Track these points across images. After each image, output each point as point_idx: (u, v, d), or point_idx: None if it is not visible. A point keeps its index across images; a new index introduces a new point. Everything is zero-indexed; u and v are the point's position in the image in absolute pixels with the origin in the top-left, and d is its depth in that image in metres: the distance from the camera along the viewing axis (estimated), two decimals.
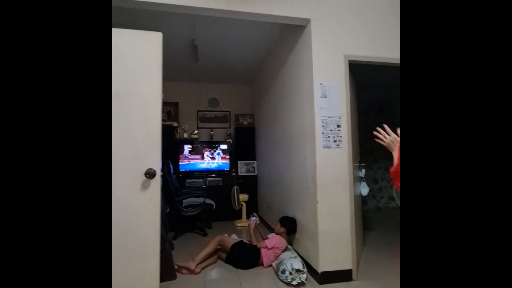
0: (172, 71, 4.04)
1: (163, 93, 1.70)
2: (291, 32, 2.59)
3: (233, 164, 4.31)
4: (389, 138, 1.09)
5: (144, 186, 1.58)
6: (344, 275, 2.10)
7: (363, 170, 2.73)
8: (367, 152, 4.75)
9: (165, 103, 4.12)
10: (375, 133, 1.12)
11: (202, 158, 4.25)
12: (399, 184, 0.91)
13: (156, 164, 1.59)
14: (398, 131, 1.09)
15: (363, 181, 2.74)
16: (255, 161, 4.38)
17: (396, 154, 1.06)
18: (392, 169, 1.00)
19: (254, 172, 4.33)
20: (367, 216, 4.15)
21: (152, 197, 1.58)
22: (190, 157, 4.20)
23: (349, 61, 2.22)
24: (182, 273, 2.25)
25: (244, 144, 4.41)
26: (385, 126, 1.12)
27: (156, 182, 1.60)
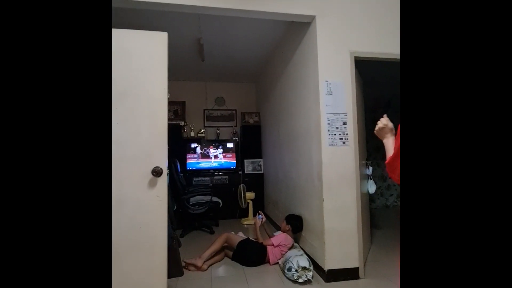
0: (179, 71, 4.08)
1: (169, 92, 1.72)
2: (296, 29, 2.58)
3: (240, 162, 4.33)
4: (379, 125, 1.05)
5: (151, 184, 1.60)
6: (351, 273, 2.09)
7: (370, 168, 2.71)
8: (375, 149, 4.70)
9: (172, 102, 4.18)
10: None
11: (209, 156, 4.28)
12: (396, 177, 0.88)
13: (163, 162, 1.62)
14: (385, 116, 1.06)
15: (370, 178, 2.72)
16: (261, 159, 4.39)
17: (388, 143, 1.01)
18: (387, 161, 0.94)
19: (261, 170, 4.34)
20: (375, 214, 4.11)
21: (159, 195, 1.61)
22: (195, 155, 4.24)
23: (355, 57, 2.19)
24: (190, 270, 2.28)
25: (250, 142, 4.42)
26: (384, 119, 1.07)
27: (163, 180, 1.62)
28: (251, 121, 4.53)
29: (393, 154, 0.91)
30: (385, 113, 1.11)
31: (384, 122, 1.05)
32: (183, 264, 2.30)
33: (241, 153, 4.40)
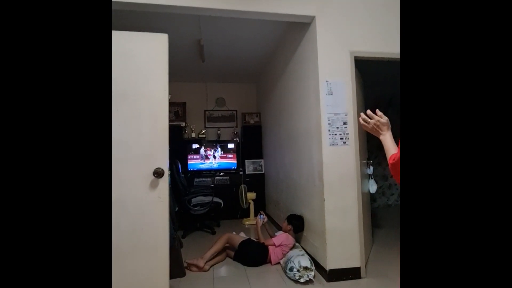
0: (179, 72, 4.09)
1: (170, 93, 1.73)
2: (296, 30, 2.58)
3: (241, 163, 4.33)
4: (372, 121, 0.98)
5: (153, 185, 1.61)
6: (353, 273, 2.09)
7: (371, 167, 2.71)
8: (376, 149, 4.69)
9: (172, 104, 4.18)
10: (359, 119, 1.03)
11: (209, 157, 4.29)
12: (399, 178, 0.86)
13: (164, 163, 1.62)
14: (378, 111, 0.99)
15: (371, 178, 2.72)
16: (262, 160, 4.39)
17: (387, 140, 0.94)
18: (392, 161, 0.88)
19: (261, 171, 4.34)
20: (376, 214, 4.11)
21: (160, 195, 1.62)
22: (196, 156, 4.25)
23: (355, 57, 2.20)
24: (192, 270, 2.29)
25: (251, 143, 4.43)
26: (368, 111, 1.01)
27: (164, 181, 1.63)
28: (251, 121, 4.53)
29: (399, 155, 0.85)
30: (386, 112, 1.03)
31: (376, 118, 0.97)
32: (185, 264, 2.31)
33: (242, 154, 4.40)
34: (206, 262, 2.32)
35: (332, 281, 2.05)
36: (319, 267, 2.18)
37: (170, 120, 1.72)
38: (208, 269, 2.32)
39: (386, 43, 2.24)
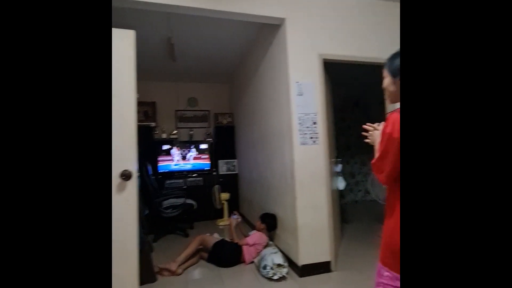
0: (149, 71, 3.94)
1: (138, 93, 1.67)
2: (267, 31, 2.62)
3: (214, 163, 4.29)
4: (371, 133, 1.05)
5: (120, 188, 1.54)
6: (323, 267, 2.17)
7: (340, 165, 2.83)
8: (344, 147, 4.91)
9: (141, 103, 4.02)
10: (363, 133, 1.09)
11: (183, 158, 4.19)
12: (383, 178, 0.88)
13: (132, 165, 1.56)
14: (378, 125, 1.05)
15: (340, 175, 2.84)
16: (235, 160, 4.38)
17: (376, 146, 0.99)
18: (372, 161, 0.95)
19: (235, 171, 4.33)
20: (345, 210, 4.30)
21: (128, 199, 1.55)
22: (167, 158, 4.13)
23: (324, 59, 2.28)
24: (164, 275, 2.22)
25: (224, 143, 4.40)
26: (366, 126, 1.07)
27: (133, 184, 1.56)
28: (224, 121, 4.51)
29: (378, 156, 0.90)
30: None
31: (370, 129, 1.04)
32: (157, 269, 2.23)
33: (215, 154, 4.36)
34: (179, 265, 2.27)
35: (304, 276, 2.11)
36: (292, 264, 2.24)
37: (139, 121, 1.66)
38: (181, 273, 2.27)
39: (353, 46, 2.35)
